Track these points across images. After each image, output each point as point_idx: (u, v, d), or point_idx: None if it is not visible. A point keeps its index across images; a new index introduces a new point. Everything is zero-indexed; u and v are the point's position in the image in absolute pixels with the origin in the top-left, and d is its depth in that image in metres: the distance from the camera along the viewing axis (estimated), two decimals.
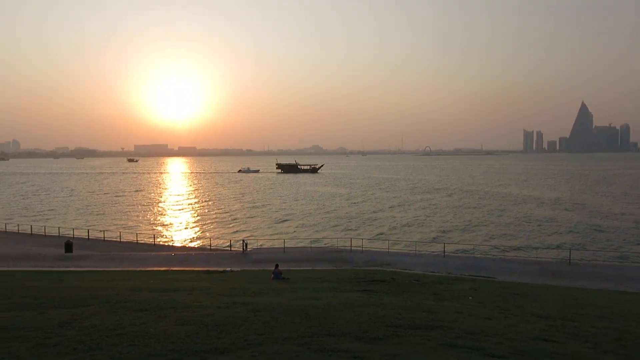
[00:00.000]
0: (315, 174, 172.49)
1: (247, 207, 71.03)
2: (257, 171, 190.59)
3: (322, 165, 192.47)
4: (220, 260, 31.57)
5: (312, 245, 38.36)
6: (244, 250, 34.81)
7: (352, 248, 35.41)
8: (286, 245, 36.80)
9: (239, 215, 62.20)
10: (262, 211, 66.43)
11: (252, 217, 60.36)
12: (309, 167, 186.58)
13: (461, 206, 70.00)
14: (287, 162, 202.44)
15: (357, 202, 76.67)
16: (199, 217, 61.55)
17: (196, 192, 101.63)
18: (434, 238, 45.27)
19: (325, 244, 41.17)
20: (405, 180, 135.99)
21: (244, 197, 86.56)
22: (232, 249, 37.83)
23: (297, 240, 43.65)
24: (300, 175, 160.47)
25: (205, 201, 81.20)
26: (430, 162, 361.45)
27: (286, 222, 56.05)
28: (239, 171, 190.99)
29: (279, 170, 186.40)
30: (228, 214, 63.35)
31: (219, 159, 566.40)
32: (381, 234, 47.79)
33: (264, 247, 39.21)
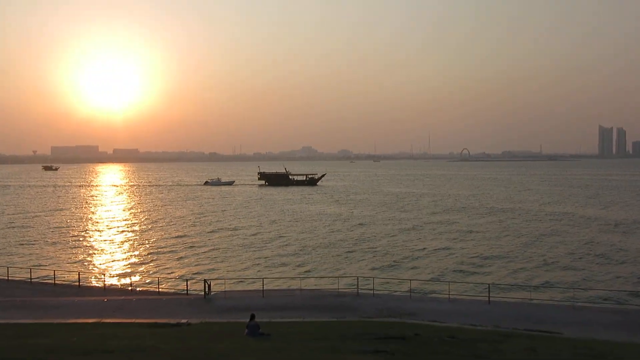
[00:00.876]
0: (314, 187, 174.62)
1: (211, 234, 71.24)
2: (231, 183, 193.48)
3: (323, 176, 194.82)
4: (172, 309, 31.42)
5: (304, 287, 38.28)
6: (207, 294, 34.71)
7: (360, 290, 35.44)
8: (266, 286, 36.69)
9: (200, 245, 62.38)
10: (234, 239, 66.60)
11: (218, 248, 60.48)
12: (304, 177, 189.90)
13: (512, 231, 70.49)
14: (274, 171, 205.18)
15: (366, 226, 77.21)
16: (142, 248, 61.59)
17: (139, 213, 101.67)
18: (472, 276, 45.42)
19: (321, 285, 41.10)
20: (431, 195, 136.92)
21: (207, 219, 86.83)
22: (189, 292, 37.71)
23: (282, 280, 43.69)
24: (292, 189, 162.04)
25: (152, 226, 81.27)
26: (469, 170, 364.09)
27: (267, 254, 56.28)
28: (206, 183, 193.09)
29: (263, 182, 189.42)
30: (185, 244, 63.53)
31: (172, 165, 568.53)
32: (398, 269, 48.02)
33: (235, 289, 38.97)
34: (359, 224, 79.53)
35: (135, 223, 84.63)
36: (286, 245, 62.23)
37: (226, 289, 37.54)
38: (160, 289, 39.02)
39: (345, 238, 66.72)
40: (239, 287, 41.57)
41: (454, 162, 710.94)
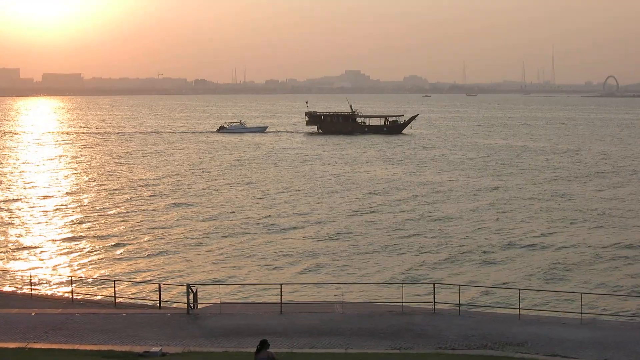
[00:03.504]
0: (396, 137, 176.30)
1: (202, 215, 71.93)
2: (263, 129, 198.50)
3: (413, 118, 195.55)
4: (137, 330, 31.70)
5: (347, 300, 38.24)
6: (191, 308, 34.90)
7: (436, 306, 35.21)
8: (287, 297, 36.59)
9: (183, 232, 63.03)
10: (237, 223, 66.95)
11: (211, 237, 61.07)
12: (383, 120, 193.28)
13: None
14: (332, 111, 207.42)
15: (453, 201, 77.21)
16: (92, 236, 62.43)
17: (86, 178, 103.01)
18: (620, 284, 45.08)
19: (374, 297, 41.09)
20: (561, 153, 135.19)
21: (200, 190, 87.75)
22: (163, 304, 38.01)
23: (311, 288, 43.93)
24: (363, 141, 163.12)
25: (109, 199, 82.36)
26: (617, 112, 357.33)
27: (289, 246, 56.77)
28: (221, 129, 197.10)
29: (314, 128, 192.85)
30: (161, 231, 64.27)
31: (137, 100, 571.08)
32: (499, 271, 48.05)
33: (236, 300, 39.03)
34: (443, 204, 79.30)
35: (82, 194, 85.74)
36: (320, 232, 62.52)
37: (222, 300, 37.76)
38: (119, 299, 39.34)
39: (420, 220, 67.07)
40: (243, 298, 41.71)
41: (585, 96, 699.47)
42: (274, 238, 60.15)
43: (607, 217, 68.54)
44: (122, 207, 75.90)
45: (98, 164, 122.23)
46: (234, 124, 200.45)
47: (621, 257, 52.88)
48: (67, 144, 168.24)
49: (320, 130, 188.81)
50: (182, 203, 78.24)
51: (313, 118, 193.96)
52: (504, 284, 45.42)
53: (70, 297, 40.55)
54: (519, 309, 34.80)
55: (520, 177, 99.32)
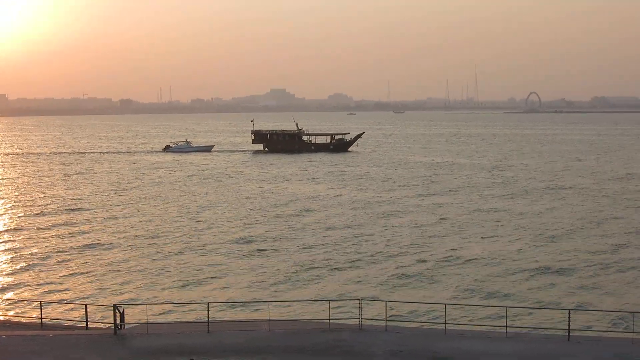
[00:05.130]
0: (340, 155, 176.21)
1: (128, 233, 71.44)
2: (209, 149, 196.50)
3: (359, 136, 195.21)
4: (64, 351, 31.42)
5: (274, 318, 38.41)
6: (118, 328, 34.72)
7: (363, 322, 35.57)
8: (214, 315, 36.62)
9: (110, 249, 62.64)
10: (162, 243, 66.84)
11: (138, 254, 60.89)
12: (329, 138, 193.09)
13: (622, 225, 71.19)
14: (278, 130, 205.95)
15: (380, 218, 77.98)
16: (15, 253, 61.86)
17: (15, 199, 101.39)
18: (544, 294, 45.81)
19: (301, 314, 41.28)
20: (480, 167, 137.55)
21: (147, 203, 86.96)
22: (89, 324, 37.70)
23: (238, 306, 43.96)
24: (310, 160, 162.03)
25: (35, 219, 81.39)
26: (541, 127, 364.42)
27: (216, 262, 56.85)
28: (167, 149, 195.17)
29: (260, 146, 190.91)
30: (87, 248, 63.83)
31: (63, 120, 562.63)
32: (424, 285, 48.51)
33: (163, 320, 38.88)
34: (379, 214, 79.99)
35: (5, 214, 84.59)
36: (246, 249, 62.57)
37: (149, 320, 37.49)
38: (43, 319, 38.85)
39: (344, 237, 67.37)
40: (170, 317, 41.60)
41: (510, 113, 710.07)
42: (201, 256, 59.86)
43: (527, 231, 69.62)
44: (47, 226, 74.82)
45: (20, 184, 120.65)
46: (180, 144, 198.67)
47: (545, 270, 53.75)
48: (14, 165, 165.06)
49: (266, 149, 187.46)
50: (110, 219, 77.81)
51: (259, 136, 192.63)
52: (429, 299, 45.74)
53: None
54: (445, 323, 35.23)
55: (457, 193, 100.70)
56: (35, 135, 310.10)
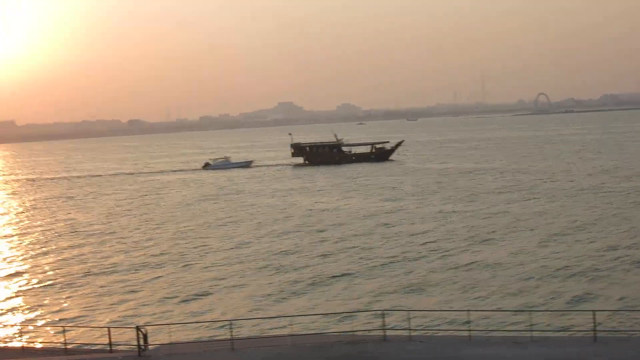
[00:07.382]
0: (380, 164, 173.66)
1: (150, 253, 71.46)
2: (249, 164, 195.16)
3: (400, 144, 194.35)
4: None
5: (296, 332, 38.39)
6: (142, 350, 34.70)
7: (387, 332, 35.49)
8: (237, 333, 36.55)
9: (134, 272, 62.72)
10: (182, 261, 66.88)
11: (162, 276, 60.87)
12: (370, 148, 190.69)
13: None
14: (317, 142, 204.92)
15: (402, 226, 77.54)
16: (39, 278, 61.88)
17: (32, 222, 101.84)
18: (568, 297, 45.75)
19: (324, 327, 41.18)
20: (504, 172, 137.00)
21: (156, 224, 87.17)
22: (113, 347, 37.73)
23: (260, 322, 43.91)
24: (351, 171, 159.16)
25: (57, 240, 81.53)
26: (554, 128, 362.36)
27: (237, 282, 56.76)
28: (206, 166, 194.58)
29: (299, 159, 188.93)
30: (110, 271, 63.91)
31: (74, 144, 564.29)
32: (448, 294, 48.36)
33: (187, 339, 38.78)
34: (399, 228, 79.67)
35: (24, 239, 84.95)
36: (268, 265, 62.58)
37: (172, 340, 37.64)
38: (67, 344, 38.91)
39: (367, 248, 67.12)
40: (193, 336, 41.57)
41: (519, 115, 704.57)
42: (221, 273, 59.94)
43: (547, 234, 69.08)
44: (67, 251, 75.01)
45: (40, 207, 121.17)
46: (219, 160, 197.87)
47: (568, 272, 53.56)
48: (24, 190, 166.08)
49: (306, 162, 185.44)
50: (137, 243, 77.84)
51: (298, 149, 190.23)
52: (452, 306, 45.70)
53: (20, 346, 40.11)
54: (470, 330, 35.19)
55: (479, 201, 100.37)
56: (71, 159, 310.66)
